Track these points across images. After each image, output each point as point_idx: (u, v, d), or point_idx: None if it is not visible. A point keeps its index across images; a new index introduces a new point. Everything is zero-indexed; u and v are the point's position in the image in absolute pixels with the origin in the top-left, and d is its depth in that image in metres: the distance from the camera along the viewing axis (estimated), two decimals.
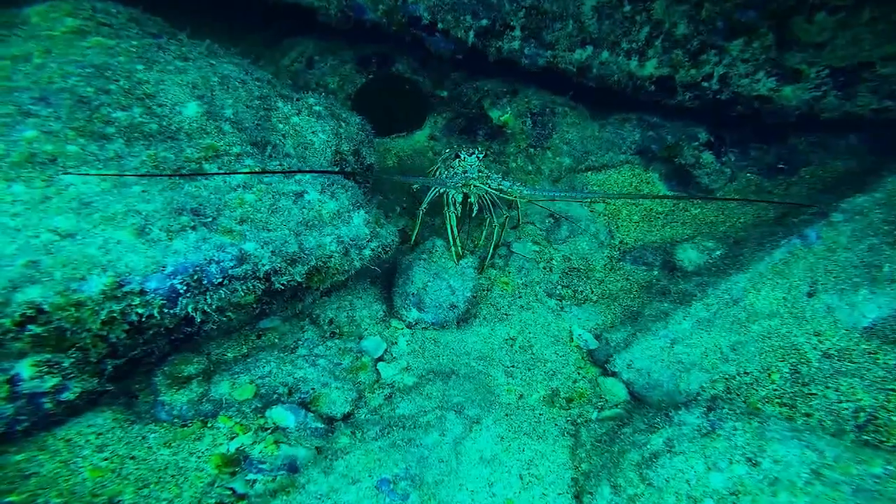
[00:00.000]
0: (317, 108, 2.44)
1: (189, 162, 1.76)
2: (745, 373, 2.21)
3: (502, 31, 3.55)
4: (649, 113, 3.74)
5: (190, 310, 1.56)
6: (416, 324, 2.59)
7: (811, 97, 3.02)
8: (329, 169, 2.32)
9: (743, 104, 3.19)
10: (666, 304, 2.52)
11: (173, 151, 1.77)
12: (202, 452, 1.78)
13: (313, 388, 1.99)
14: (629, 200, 3.67)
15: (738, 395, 2.18)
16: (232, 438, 1.83)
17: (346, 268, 1.95)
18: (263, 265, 1.67)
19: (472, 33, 3.58)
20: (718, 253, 2.76)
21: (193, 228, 1.60)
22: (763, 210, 3.15)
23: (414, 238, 2.97)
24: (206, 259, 1.57)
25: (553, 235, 3.37)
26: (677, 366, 2.29)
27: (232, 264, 1.60)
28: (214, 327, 1.83)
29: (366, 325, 2.49)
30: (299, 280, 1.81)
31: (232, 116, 1.97)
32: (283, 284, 1.76)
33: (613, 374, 2.44)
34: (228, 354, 2.05)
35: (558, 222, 3.42)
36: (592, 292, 3.09)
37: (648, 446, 1.73)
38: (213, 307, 1.60)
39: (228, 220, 1.68)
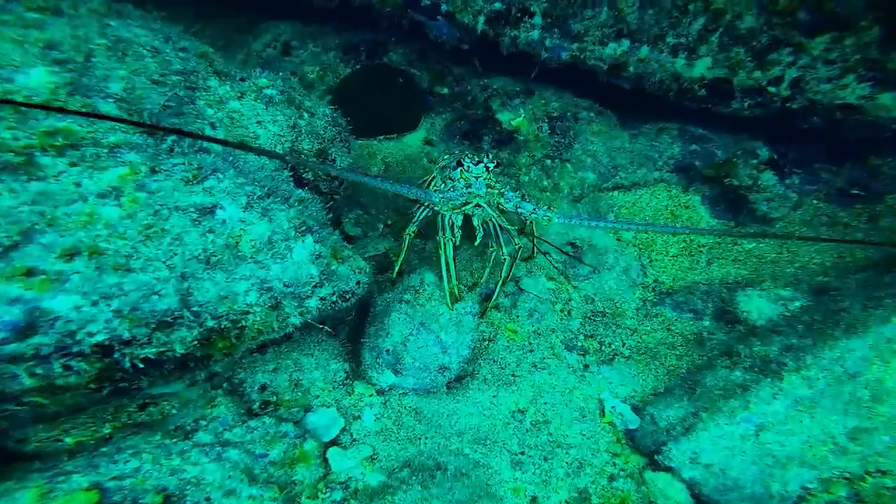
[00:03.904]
0: (269, 91, 1.78)
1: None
2: (880, 472, 1.54)
3: (519, 18, 2.92)
4: (692, 123, 3.10)
5: None
6: (391, 389, 1.89)
7: None
8: (273, 153, 1.64)
9: (820, 115, 2.56)
10: (738, 373, 1.83)
11: None
12: None
13: (208, 500, 1.28)
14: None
15: (869, 502, 1.52)
16: None
17: (277, 327, 1.27)
18: (90, 334, 0.99)
19: (481, 18, 2.95)
20: (798, 304, 2.08)
21: None
22: (847, 248, 2.48)
23: (397, 269, 2.29)
24: None
25: (573, 270, 2.70)
26: (767, 460, 1.62)
27: (3, 336, 0.92)
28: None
29: (317, 391, 1.79)
30: (182, 351, 1.13)
31: (121, 93, 1.31)
32: (146, 358, 1.08)
33: (668, 470, 1.75)
34: (66, 440, 1.32)
35: (580, 253, 2.74)
36: (624, 345, 2.40)
37: None
38: None
39: (41, 252, 0.99)
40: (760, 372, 1.75)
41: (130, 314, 1.02)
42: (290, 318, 1.31)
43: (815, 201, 2.82)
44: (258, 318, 1.23)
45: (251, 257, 1.21)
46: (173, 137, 1.28)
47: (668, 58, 2.77)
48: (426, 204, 2.23)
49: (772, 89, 2.56)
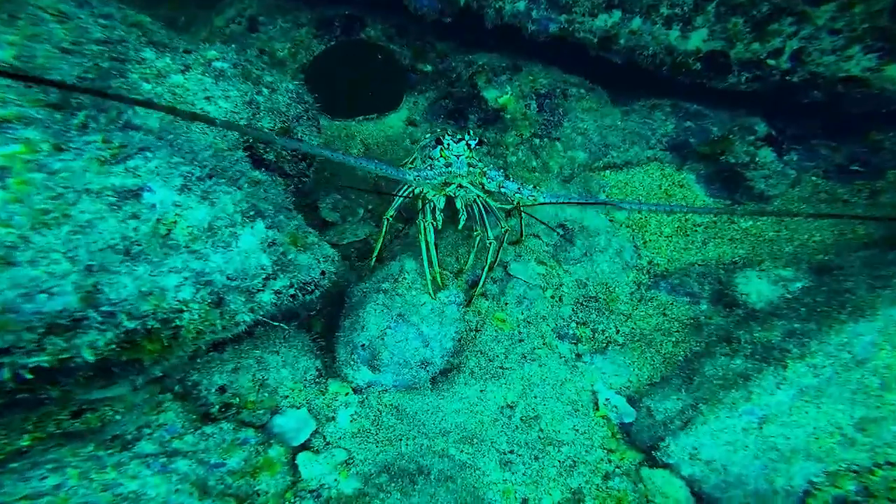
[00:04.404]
0: (219, 64, 1.59)
1: None
2: (889, 463, 1.44)
3: None
4: (686, 99, 2.95)
5: None
6: (369, 387, 1.75)
7: None
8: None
9: (822, 88, 2.42)
10: (739, 361, 1.72)
11: None
12: None
13: None
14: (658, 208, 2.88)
15: (878, 496, 1.42)
16: None
17: (223, 325, 1.11)
18: None
19: None
20: (799, 285, 1.97)
21: None
22: (848, 224, 2.37)
23: (375, 255, 2.13)
24: None
25: (564, 253, 2.56)
26: (771, 454, 1.51)
27: None
28: None
29: (285, 391, 1.64)
30: (92, 358, 0.97)
31: (10, 61, 1.11)
32: (38, 367, 0.92)
33: (667, 467, 1.64)
34: None
35: (570, 235, 2.60)
36: (618, 332, 2.28)
37: None
38: None
39: None
40: (763, 360, 1.63)
41: (1, 317, 0.86)
42: (237, 314, 1.15)
43: (813, 178, 2.70)
44: (196, 317, 1.07)
45: (186, 246, 1.05)
46: (87, 112, 1.09)
47: (662, 29, 2.61)
48: (406, 185, 2.07)
49: (771, 62, 2.41)
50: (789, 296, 1.96)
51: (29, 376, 0.94)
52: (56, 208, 0.94)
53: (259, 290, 1.17)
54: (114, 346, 0.99)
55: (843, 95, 2.40)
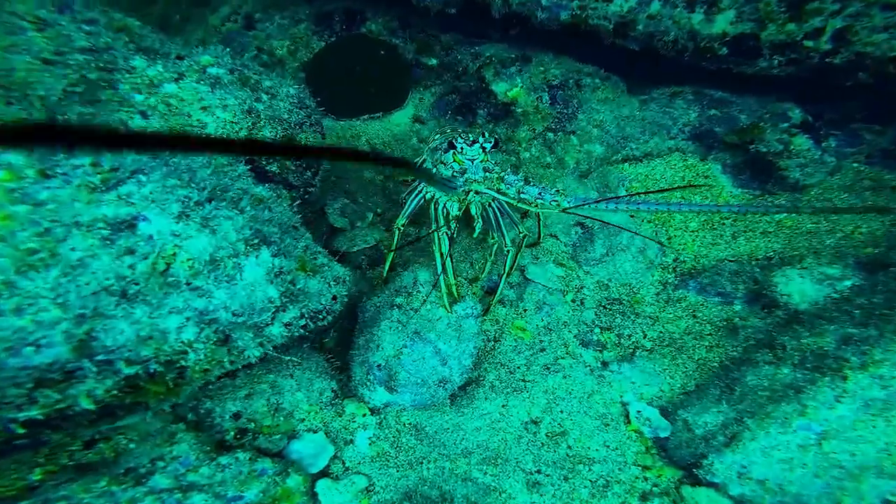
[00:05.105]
0: (214, 70, 1.48)
1: None
2: None
3: None
4: (709, 86, 2.78)
5: None
6: (387, 407, 1.66)
7: None
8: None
9: (869, 69, 2.23)
10: (786, 371, 1.59)
11: None
12: None
13: None
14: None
15: None
16: None
17: (230, 361, 1.02)
18: None
19: None
20: (848, 284, 1.82)
21: None
22: None
23: (387, 267, 2.03)
24: None
25: (584, 253, 2.43)
26: (834, 472, 1.39)
27: None
28: None
29: (301, 413, 1.55)
30: (91, 407, 0.89)
31: None
32: (32, 420, 0.84)
33: (712, 486, 1.53)
34: None
35: (590, 235, 2.47)
36: (645, 336, 2.16)
37: None
38: None
39: None
40: (815, 369, 1.50)
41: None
42: (246, 350, 1.06)
43: (854, 164, 2.52)
44: (202, 357, 0.99)
45: (187, 283, 0.95)
46: None
47: (684, 13, 2.43)
48: (416, 190, 1.96)
49: (808, 43, 2.22)
50: (837, 296, 1.81)
51: (21, 430, 0.86)
52: (43, 247, 0.84)
53: (267, 325, 1.08)
54: (115, 392, 0.91)
55: (891, 77, 2.22)
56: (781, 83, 2.50)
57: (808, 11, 2.16)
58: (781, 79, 2.44)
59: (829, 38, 2.18)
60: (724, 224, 2.58)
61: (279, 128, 1.61)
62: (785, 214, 2.48)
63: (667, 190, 2.59)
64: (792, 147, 2.37)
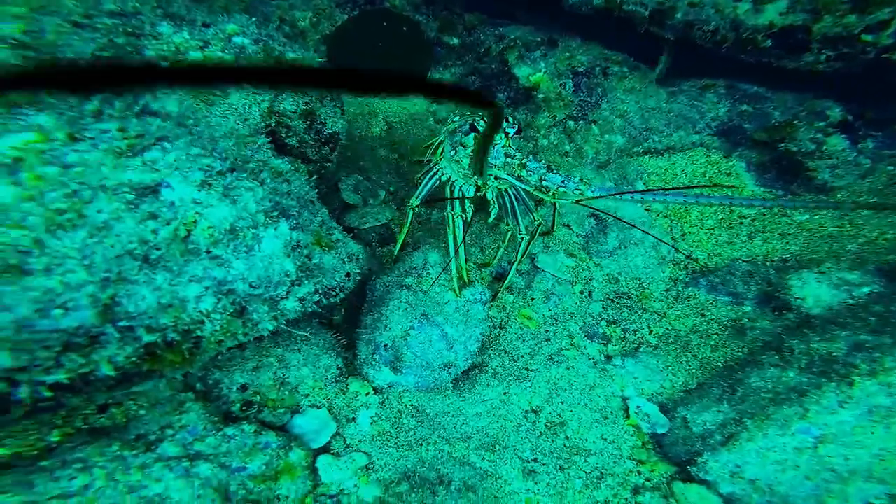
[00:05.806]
0: (239, 40, 1.47)
1: None
2: None
3: None
4: (744, 80, 2.68)
5: None
6: (390, 387, 1.68)
7: None
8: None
9: None
10: (792, 374, 1.58)
11: None
12: None
13: None
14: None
15: None
16: None
17: (244, 333, 1.04)
18: None
19: None
20: (866, 290, 1.79)
21: None
22: None
23: (398, 247, 2.03)
24: None
25: (596, 245, 2.41)
26: (825, 475, 1.40)
27: None
28: None
29: (306, 389, 1.59)
30: (112, 373, 0.91)
31: (19, 36, 1.01)
32: (58, 384, 0.86)
33: (703, 483, 1.54)
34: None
35: (603, 227, 2.45)
36: (651, 332, 2.15)
37: None
38: None
39: None
40: (822, 374, 1.49)
41: (16, 336, 0.79)
42: (260, 323, 1.08)
43: (890, 167, 2.43)
44: (218, 328, 1.00)
45: (207, 251, 0.96)
46: (101, 96, 1.00)
47: (730, 1, 2.32)
48: (432, 171, 1.94)
49: (867, 37, 2.11)
50: (853, 301, 1.78)
51: (48, 394, 0.89)
52: (71, 208, 0.86)
53: (283, 298, 1.09)
54: (134, 359, 0.93)
55: None
56: (823, 79, 2.40)
57: (874, 2, 2.04)
58: (825, 75, 2.34)
59: (893, 31, 2.06)
60: (741, 223, 2.53)
61: (300, 100, 1.59)
62: (807, 216, 2.43)
63: (688, 187, 2.54)
64: (825, 147, 2.29)
